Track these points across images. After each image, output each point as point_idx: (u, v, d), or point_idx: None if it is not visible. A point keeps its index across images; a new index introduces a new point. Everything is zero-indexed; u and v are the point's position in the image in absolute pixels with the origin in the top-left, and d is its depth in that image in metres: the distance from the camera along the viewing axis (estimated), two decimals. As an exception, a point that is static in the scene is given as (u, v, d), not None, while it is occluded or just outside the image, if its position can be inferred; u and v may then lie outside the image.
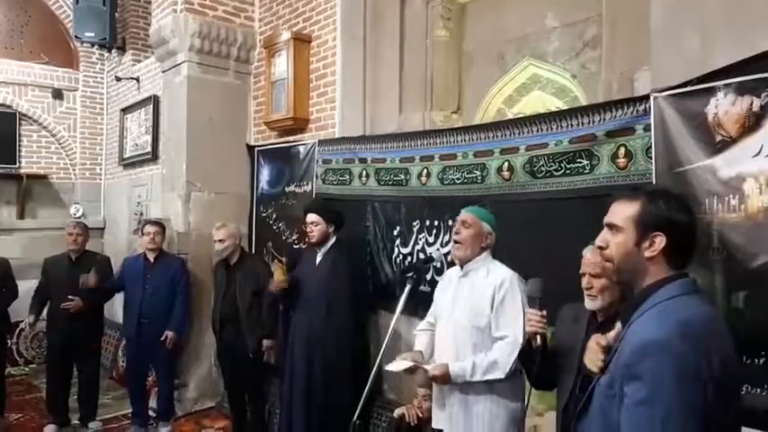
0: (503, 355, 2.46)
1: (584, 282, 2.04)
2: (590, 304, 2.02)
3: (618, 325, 1.52)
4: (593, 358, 1.54)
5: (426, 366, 2.58)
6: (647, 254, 1.37)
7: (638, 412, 1.22)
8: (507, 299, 2.53)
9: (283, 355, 3.89)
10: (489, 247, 2.70)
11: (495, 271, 2.62)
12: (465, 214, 2.70)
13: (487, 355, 2.49)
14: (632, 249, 1.39)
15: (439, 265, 3.49)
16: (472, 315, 2.57)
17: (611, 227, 1.44)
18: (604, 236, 1.46)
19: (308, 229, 3.73)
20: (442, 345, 2.69)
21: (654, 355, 1.22)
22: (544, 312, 2.05)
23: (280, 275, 3.70)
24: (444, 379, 2.51)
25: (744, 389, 2.05)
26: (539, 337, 2.03)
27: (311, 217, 3.72)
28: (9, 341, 5.70)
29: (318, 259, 3.76)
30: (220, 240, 4.16)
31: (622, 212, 1.42)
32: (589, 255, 2.04)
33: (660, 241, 1.35)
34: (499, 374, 2.45)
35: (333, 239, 3.75)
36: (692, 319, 1.26)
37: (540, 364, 2.03)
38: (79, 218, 6.45)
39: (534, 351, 2.04)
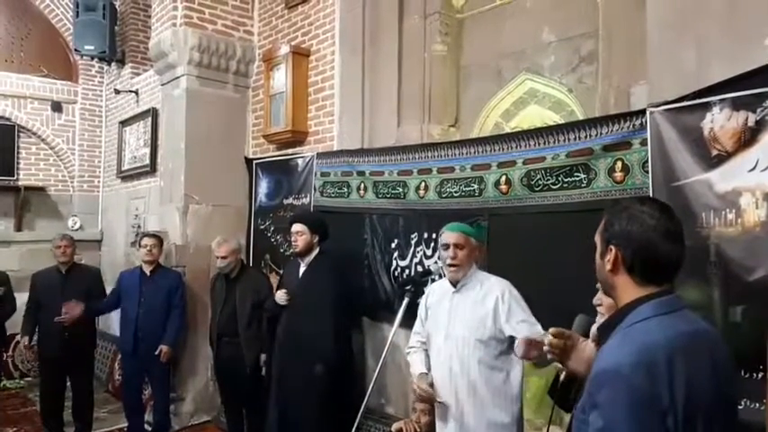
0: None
1: (596, 298, 1.99)
2: (598, 321, 1.97)
3: None
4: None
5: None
6: (607, 266, 1.36)
7: None
8: (513, 306, 2.56)
9: (269, 367, 3.89)
10: (478, 260, 2.77)
11: (488, 282, 2.65)
12: (454, 235, 2.68)
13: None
14: (600, 263, 1.40)
15: (437, 277, 3.48)
16: (474, 328, 2.57)
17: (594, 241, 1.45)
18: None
19: (292, 239, 3.75)
20: (441, 361, 2.66)
21: (607, 385, 1.19)
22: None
23: None
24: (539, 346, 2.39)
25: (741, 403, 2.05)
26: (564, 373, 1.95)
27: (296, 227, 3.75)
28: (4, 354, 5.66)
29: (302, 270, 3.78)
30: (222, 257, 4.15)
31: (598, 228, 1.43)
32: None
33: (612, 254, 1.34)
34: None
35: (317, 250, 3.77)
36: (655, 346, 1.20)
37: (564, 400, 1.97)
38: (76, 230, 6.47)
39: (562, 383, 1.97)
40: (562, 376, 1.91)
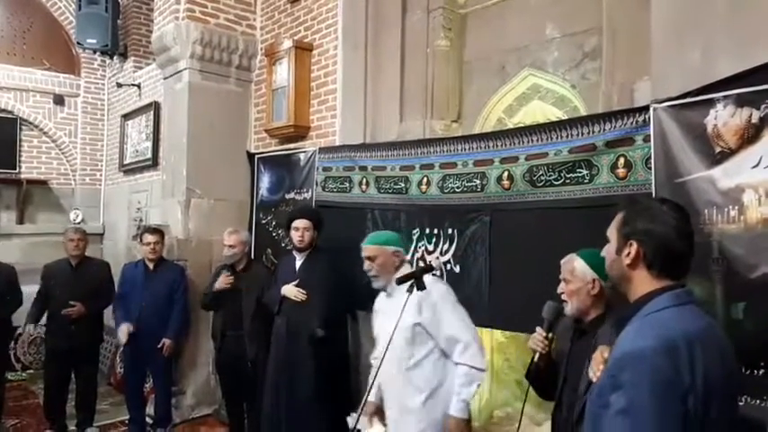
0: (473, 358, 2.61)
1: (559, 287, 2.20)
2: (566, 309, 2.16)
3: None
4: (594, 368, 1.58)
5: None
6: (625, 261, 1.43)
7: (617, 421, 1.25)
8: (439, 306, 2.62)
9: (265, 362, 3.89)
10: (404, 263, 2.87)
11: (439, 299, 2.67)
12: (367, 248, 2.86)
13: (458, 372, 2.61)
14: (616, 258, 1.47)
15: (439, 273, 3.49)
16: (403, 331, 2.57)
17: (606, 236, 1.53)
18: (606, 246, 1.54)
19: (298, 234, 3.75)
20: (383, 364, 2.59)
21: (632, 366, 1.25)
22: (548, 335, 2.16)
23: None
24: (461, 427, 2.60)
25: (743, 400, 2.05)
26: (536, 355, 2.16)
27: (303, 222, 3.76)
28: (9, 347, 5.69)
29: (298, 264, 3.79)
30: (230, 246, 4.16)
31: (613, 223, 1.51)
32: (564, 260, 2.21)
33: (633, 249, 1.41)
34: (479, 380, 2.63)
35: (313, 245, 3.82)
36: (676, 332, 1.27)
37: (542, 378, 2.19)
38: (79, 223, 6.47)
39: (535, 366, 2.19)
40: (536, 357, 2.16)
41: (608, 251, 1.51)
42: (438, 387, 2.65)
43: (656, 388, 1.20)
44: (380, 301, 2.93)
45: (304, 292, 3.65)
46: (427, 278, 2.58)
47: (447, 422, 2.58)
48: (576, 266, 2.14)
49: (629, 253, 1.42)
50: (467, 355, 2.61)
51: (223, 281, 4.09)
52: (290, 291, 3.69)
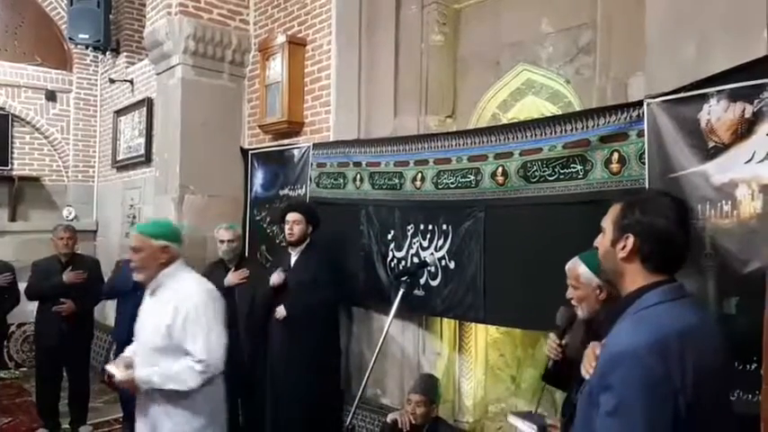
0: (185, 370, 2.39)
1: (568, 292, 2.16)
2: (579, 314, 2.13)
3: None
4: (586, 365, 1.58)
5: (113, 370, 2.49)
6: (620, 254, 1.40)
7: (607, 422, 1.23)
8: (191, 317, 2.41)
9: (264, 358, 3.90)
10: (175, 259, 2.57)
11: (183, 289, 2.50)
12: (133, 236, 2.58)
13: (173, 366, 2.41)
14: (610, 249, 1.44)
15: (433, 269, 3.49)
16: (153, 335, 2.48)
17: (600, 229, 1.50)
18: (598, 237, 1.51)
19: (288, 228, 3.74)
20: (137, 364, 2.54)
21: (622, 366, 1.23)
22: (562, 342, 2.15)
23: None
24: (131, 385, 2.45)
25: (735, 394, 2.06)
26: (551, 361, 2.17)
27: (293, 215, 3.76)
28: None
29: (293, 259, 3.78)
30: (229, 241, 4.14)
31: (608, 215, 1.48)
32: (569, 266, 2.16)
33: (630, 242, 1.38)
34: (181, 386, 2.39)
35: (308, 240, 3.79)
36: (667, 329, 1.25)
37: (563, 377, 2.14)
38: (71, 220, 6.44)
39: (550, 369, 2.19)
40: (550, 364, 2.16)
41: (601, 242, 1.48)
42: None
43: (646, 388, 1.19)
44: (145, 299, 2.68)
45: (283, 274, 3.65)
46: (193, 284, 2.49)
47: (131, 374, 2.44)
48: (580, 273, 2.10)
49: (624, 246, 1.39)
50: (191, 367, 2.39)
51: (239, 276, 4.06)
52: (273, 278, 3.69)
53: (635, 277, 1.39)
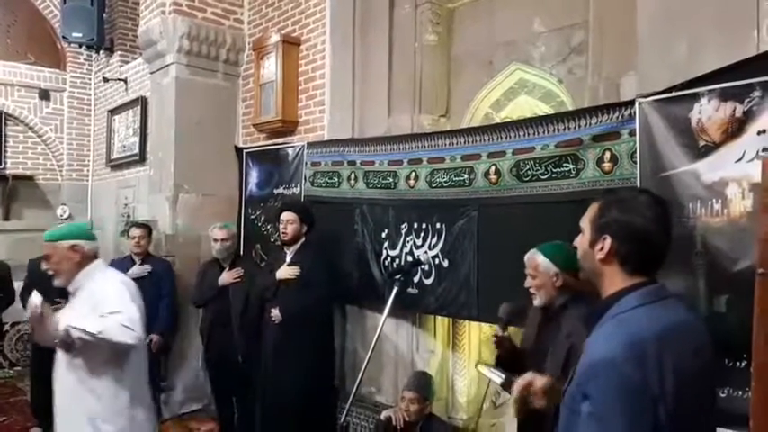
0: (115, 325, 2.27)
1: (526, 281, 2.34)
2: (535, 301, 2.32)
3: None
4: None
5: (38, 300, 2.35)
6: (598, 255, 1.36)
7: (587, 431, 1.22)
8: (108, 300, 2.36)
9: (258, 358, 3.89)
10: (90, 258, 2.53)
11: (99, 286, 2.46)
12: (43, 246, 2.54)
13: (104, 321, 2.29)
14: (588, 251, 1.40)
15: (427, 267, 3.51)
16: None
17: (579, 226, 1.46)
18: (577, 238, 1.48)
19: (282, 227, 3.75)
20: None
21: (599, 375, 1.20)
22: (498, 333, 2.42)
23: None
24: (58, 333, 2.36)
25: (725, 391, 2.08)
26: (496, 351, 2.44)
27: (287, 215, 3.76)
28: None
29: (288, 259, 3.78)
30: (223, 240, 4.15)
31: (586, 215, 1.43)
32: (528, 256, 2.36)
33: (607, 244, 1.34)
34: (114, 337, 2.27)
35: (303, 240, 3.79)
36: (645, 333, 1.22)
37: (511, 363, 2.39)
38: (66, 219, 6.42)
39: (497, 358, 2.48)
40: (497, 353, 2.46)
41: (580, 243, 1.43)
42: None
43: (623, 397, 1.17)
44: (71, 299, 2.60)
45: (296, 269, 3.65)
46: (108, 279, 2.45)
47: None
48: (539, 262, 2.29)
49: (602, 248, 1.35)
50: (120, 322, 2.29)
51: (233, 275, 4.07)
52: (285, 272, 3.68)
53: (614, 279, 1.35)
